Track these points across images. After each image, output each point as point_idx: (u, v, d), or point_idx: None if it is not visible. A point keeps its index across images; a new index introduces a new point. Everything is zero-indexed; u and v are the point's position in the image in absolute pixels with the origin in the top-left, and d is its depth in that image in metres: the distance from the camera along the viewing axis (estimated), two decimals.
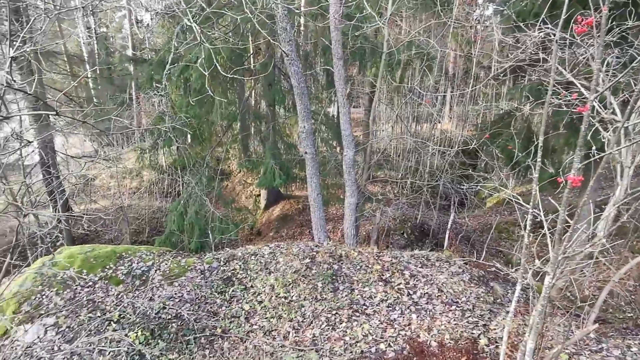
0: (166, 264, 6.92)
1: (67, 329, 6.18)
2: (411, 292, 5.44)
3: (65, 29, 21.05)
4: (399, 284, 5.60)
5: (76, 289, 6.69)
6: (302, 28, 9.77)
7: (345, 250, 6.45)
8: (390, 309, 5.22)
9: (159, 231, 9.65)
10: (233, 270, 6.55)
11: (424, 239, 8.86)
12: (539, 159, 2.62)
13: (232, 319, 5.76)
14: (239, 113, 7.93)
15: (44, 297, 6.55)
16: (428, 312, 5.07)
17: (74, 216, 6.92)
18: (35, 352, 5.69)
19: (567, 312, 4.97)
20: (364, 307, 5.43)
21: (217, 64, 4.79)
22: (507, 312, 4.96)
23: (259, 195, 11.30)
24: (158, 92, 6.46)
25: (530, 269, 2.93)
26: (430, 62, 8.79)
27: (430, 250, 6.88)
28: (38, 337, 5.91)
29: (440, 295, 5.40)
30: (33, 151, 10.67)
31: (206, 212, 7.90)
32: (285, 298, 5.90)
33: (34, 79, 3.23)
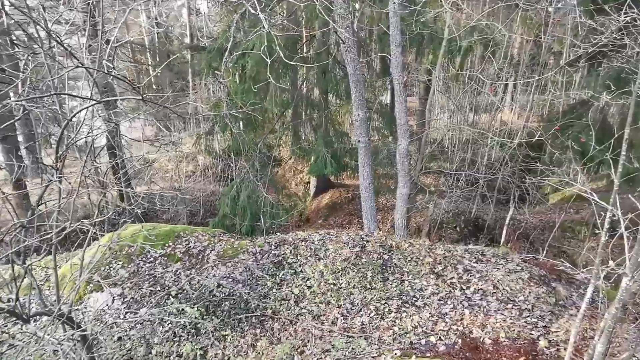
0: (220, 245, 7.32)
1: (131, 300, 6.76)
2: (464, 287, 5.34)
3: (130, 19, 22.49)
4: (451, 278, 5.51)
5: (139, 263, 7.26)
6: (357, 14, 9.66)
7: (396, 241, 6.43)
8: (442, 302, 5.17)
9: (212, 213, 10.21)
10: (283, 254, 6.79)
11: (477, 234, 8.59)
12: (623, 153, 2.45)
13: (282, 302, 5.99)
14: (292, 101, 8.10)
15: (111, 269, 7.16)
16: (482, 309, 4.96)
17: (149, 194, 7.50)
18: (104, 318, 6.30)
19: (639, 317, 4.65)
20: (414, 299, 5.42)
21: (273, 52, 4.93)
22: (571, 315, 4.73)
23: (309, 182, 11.51)
24: (217, 79, 6.75)
25: (603, 270, 2.78)
26: (494, 48, 8.35)
27: (485, 246, 6.68)
28: (107, 304, 6.49)
29: (495, 292, 5.25)
30: (101, 134, 11.63)
31: (258, 197, 8.22)
32: (334, 285, 6.03)
33: (112, 68, 3.53)
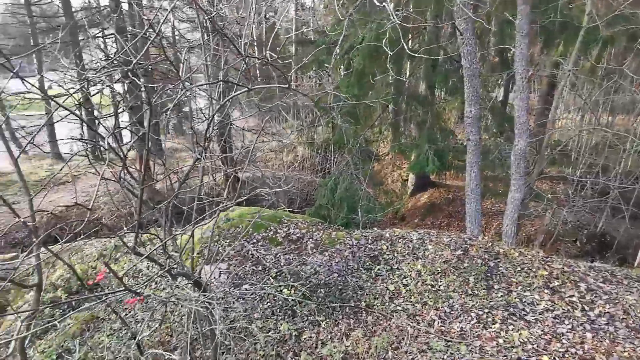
0: (318, 234, 7.70)
1: (235, 276, 7.49)
2: (587, 308, 4.84)
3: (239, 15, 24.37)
4: (570, 296, 5.04)
5: (244, 243, 7.97)
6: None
7: (504, 248, 6.08)
8: (557, 321, 4.77)
9: (308, 203, 10.74)
10: (380, 249, 6.88)
11: (603, 252, 7.60)
12: None
13: (377, 296, 6.11)
14: (401, 95, 8.08)
15: (219, 246, 7.99)
16: (608, 334, 4.46)
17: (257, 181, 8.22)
18: (211, 289, 7.09)
19: None
20: (523, 312, 5.09)
21: (381, 45, 4.99)
22: None
23: (407, 180, 11.38)
24: (324, 72, 7.05)
25: None
26: None
27: (615, 266, 5.93)
28: (214, 277, 7.27)
29: (626, 318, 4.67)
30: (215, 123, 12.94)
31: (355, 191, 8.42)
32: (432, 286, 5.95)
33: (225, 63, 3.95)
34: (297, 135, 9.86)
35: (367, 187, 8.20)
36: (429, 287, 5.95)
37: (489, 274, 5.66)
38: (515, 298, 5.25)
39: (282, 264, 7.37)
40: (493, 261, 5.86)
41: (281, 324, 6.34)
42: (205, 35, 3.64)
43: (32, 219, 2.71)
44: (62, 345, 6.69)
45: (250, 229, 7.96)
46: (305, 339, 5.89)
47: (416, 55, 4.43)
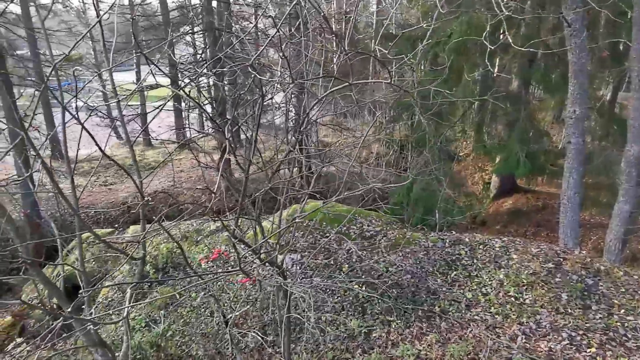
0: (392, 233, 7.63)
1: (307, 267, 7.71)
2: None
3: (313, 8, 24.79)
4: None
5: (316, 236, 8.16)
6: None
7: (606, 265, 5.52)
8: None
9: (382, 201, 10.60)
10: (458, 254, 6.64)
11: None
12: None
13: (452, 303, 5.91)
14: (490, 92, 7.64)
15: (292, 236, 8.27)
16: None
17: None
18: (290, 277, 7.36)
19: None
20: (624, 338, 4.60)
21: (471, 40, 4.78)
22: None
23: (489, 183, 10.78)
24: (409, 67, 6.93)
25: None
26: None
27: None
28: (285, 265, 7.52)
29: None
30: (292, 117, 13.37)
31: (433, 191, 8.19)
32: (516, 299, 5.61)
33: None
34: (374, 132, 9.81)
35: (446, 188, 7.92)
36: (512, 299, 5.62)
37: (586, 293, 5.19)
38: (616, 322, 4.76)
39: (354, 260, 7.44)
40: (592, 279, 5.36)
41: (351, 320, 6.42)
42: (290, 30, 3.79)
43: (141, 197, 3.05)
44: (149, 315, 7.42)
45: (323, 223, 8.14)
46: (374, 337, 5.91)
47: (518, 48, 4.14)
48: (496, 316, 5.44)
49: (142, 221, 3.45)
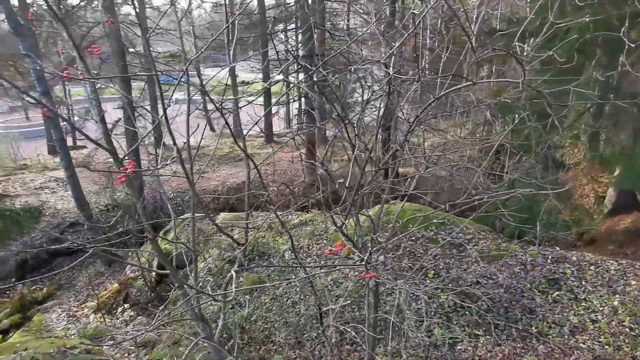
0: (485, 243, 7.27)
1: (390, 269, 7.66)
2: None
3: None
4: None
5: (402, 239, 8.07)
6: None
7: None
8: None
9: (472, 208, 10.08)
10: (562, 273, 6.12)
11: None
12: None
13: (553, 325, 5.48)
14: (612, 94, 6.84)
15: (377, 237, 8.27)
16: None
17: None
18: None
19: None
20: None
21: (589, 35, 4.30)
22: None
23: (603, 196, 9.65)
24: (517, 64, 6.50)
25: None
26: None
27: None
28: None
29: None
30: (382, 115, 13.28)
31: (534, 201, 7.60)
32: (631, 330, 5.04)
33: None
34: (468, 134, 9.37)
35: (544, 199, 7.28)
36: (627, 330, 5.06)
37: None
38: None
39: (440, 266, 7.24)
40: None
41: (434, 328, 6.28)
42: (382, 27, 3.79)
43: (248, 187, 3.30)
44: (235, 299, 7.96)
45: (410, 225, 8.02)
46: (460, 350, 5.72)
47: None
48: (606, 347, 4.93)
49: (247, 209, 3.73)
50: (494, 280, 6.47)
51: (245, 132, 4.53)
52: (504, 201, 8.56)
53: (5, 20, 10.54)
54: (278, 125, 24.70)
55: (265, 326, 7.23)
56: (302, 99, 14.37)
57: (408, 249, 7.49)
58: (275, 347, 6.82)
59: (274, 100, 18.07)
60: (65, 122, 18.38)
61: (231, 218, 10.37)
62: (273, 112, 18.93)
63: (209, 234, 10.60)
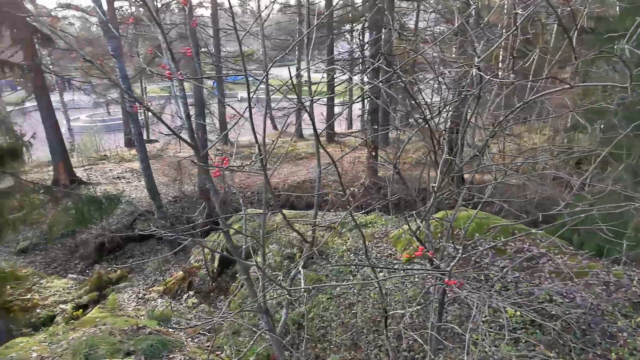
0: (562, 258, 6.82)
1: (454, 277, 7.41)
2: None
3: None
4: None
5: (466, 247, 7.78)
6: None
7: None
8: None
9: (544, 220, 9.45)
10: None
11: None
12: None
13: (635, 352, 5.03)
14: None
15: (438, 242, 8.06)
16: None
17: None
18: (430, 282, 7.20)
19: None
20: None
21: None
22: None
23: None
24: (611, 67, 6.04)
25: None
26: None
27: None
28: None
29: None
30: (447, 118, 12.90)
31: (621, 215, 6.98)
32: None
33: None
34: (547, 140, 8.79)
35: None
36: None
37: None
38: None
39: (508, 280, 6.89)
40: None
41: (498, 344, 6.00)
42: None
43: (318, 188, 3.37)
44: (295, 295, 8.12)
45: (476, 234, 7.72)
46: None
47: None
48: None
49: (315, 207, 3.82)
50: (570, 299, 6.04)
51: (305, 131, 4.64)
52: (584, 212, 7.95)
53: (98, 24, 11.69)
54: (339, 126, 24.88)
55: (322, 325, 7.33)
56: (367, 100, 14.35)
57: (474, 258, 7.22)
58: (331, 346, 6.89)
59: (334, 100, 18.24)
60: (153, 118, 19.90)
61: (292, 216, 10.62)
62: (336, 112, 19.09)
63: (269, 230, 10.92)
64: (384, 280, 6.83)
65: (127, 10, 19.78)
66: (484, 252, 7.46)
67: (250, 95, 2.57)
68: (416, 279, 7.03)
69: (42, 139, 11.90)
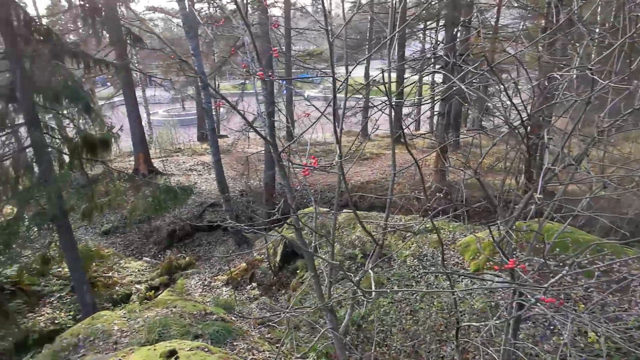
0: None
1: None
2: None
3: None
4: None
5: (546, 261, 7.25)
6: None
7: None
8: None
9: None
10: None
11: None
12: None
13: None
14: None
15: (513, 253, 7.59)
16: None
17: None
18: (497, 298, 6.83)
19: None
20: None
21: None
22: None
23: None
24: None
25: None
26: None
27: None
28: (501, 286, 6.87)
29: None
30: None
31: None
32: None
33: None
34: None
35: None
36: None
37: None
38: None
39: (592, 302, 6.32)
40: None
41: None
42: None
43: (391, 191, 3.32)
44: (350, 297, 8.10)
45: (557, 249, 7.19)
46: None
47: None
48: None
49: (387, 209, 3.78)
50: None
51: (371, 131, 4.59)
52: None
53: (181, 25, 12.53)
54: (406, 127, 24.31)
55: (382, 328, 7.25)
56: (438, 101, 13.94)
57: (552, 274, 6.71)
58: (390, 351, 6.79)
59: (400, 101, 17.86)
60: (224, 114, 21.03)
61: (354, 216, 10.60)
62: (404, 113, 18.75)
63: (330, 229, 10.99)
64: (456, 291, 6.60)
65: (205, 11, 20.96)
66: (572, 269, 6.91)
67: (317, 94, 2.59)
68: (485, 291, 6.70)
69: (126, 131, 13.02)
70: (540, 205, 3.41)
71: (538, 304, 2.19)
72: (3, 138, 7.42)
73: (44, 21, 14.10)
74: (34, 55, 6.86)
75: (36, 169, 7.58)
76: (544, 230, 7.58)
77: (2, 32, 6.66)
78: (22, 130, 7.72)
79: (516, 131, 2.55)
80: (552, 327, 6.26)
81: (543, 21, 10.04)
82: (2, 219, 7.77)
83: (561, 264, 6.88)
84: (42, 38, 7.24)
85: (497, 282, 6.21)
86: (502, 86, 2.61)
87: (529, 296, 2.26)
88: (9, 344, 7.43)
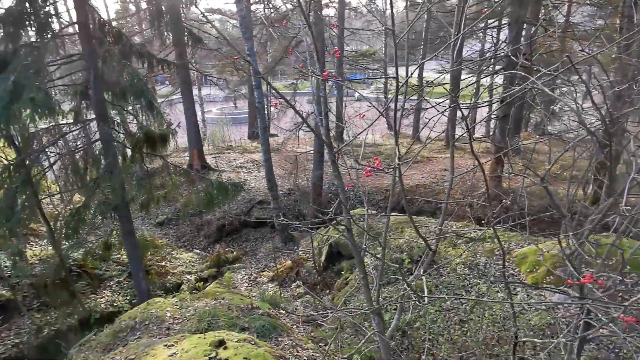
0: None
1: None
2: None
3: None
4: None
5: (615, 278, 6.79)
6: None
7: None
8: None
9: None
10: None
11: None
12: None
13: None
14: None
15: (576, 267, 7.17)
16: None
17: None
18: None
19: None
20: None
21: None
22: None
23: None
24: None
25: None
26: None
27: None
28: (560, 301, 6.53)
29: None
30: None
31: None
32: None
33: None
34: None
35: None
36: None
37: None
38: None
39: None
40: None
41: None
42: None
43: (447, 197, 3.25)
44: (399, 301, 7.97)
45: (628, 267, 6.69)
46: None
47: None
48: None
49: (443, 214, 3.71)
50: None
51: (427, 139, 4.49)
52: None
53: (238, 26, 12.98)
54: (461, 131, 23.64)
55: (428, 337, 7.09)
56: (495, 104, 13.38)
57: (621, 294, 6.28)
58: None
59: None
60: (274, 113, 21.58)
61: (404, 220, 10.47)
62: (460, 116, 18.18)
63: (378, 232, 10.93)
64: (517, 303, 6.35)
65: (261, 12, 21.54)
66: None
67: (368, 94, 2.59)
68: (543, 306, 6.38)
69: (182, 128, 13.69)
70: (612, 219, 3.21)
71: (610, 324, 2.06)
72: (75, 132, 8.07)
73: (114, 24, 15.16)
74: (106, 55, 7.41)
75: (103, 162, 8.17)
76: (605, 242, 7.11)
77: (80, 35, 7.25)
78: (91, 125, 8.37)
79: (594, 137, 2.41)
80: (617, 350, 5.85)
81: (618, 20, 9.36)
82: (72, 206, 8.45)
83: (616, 273, 6.41)
84: (113, 39, 7.80)
85: (571, 297, 5.89)
86: (577, 89, 2.48)
87: (599, 315, 2.13)
88: (75, 322, 8.08)
